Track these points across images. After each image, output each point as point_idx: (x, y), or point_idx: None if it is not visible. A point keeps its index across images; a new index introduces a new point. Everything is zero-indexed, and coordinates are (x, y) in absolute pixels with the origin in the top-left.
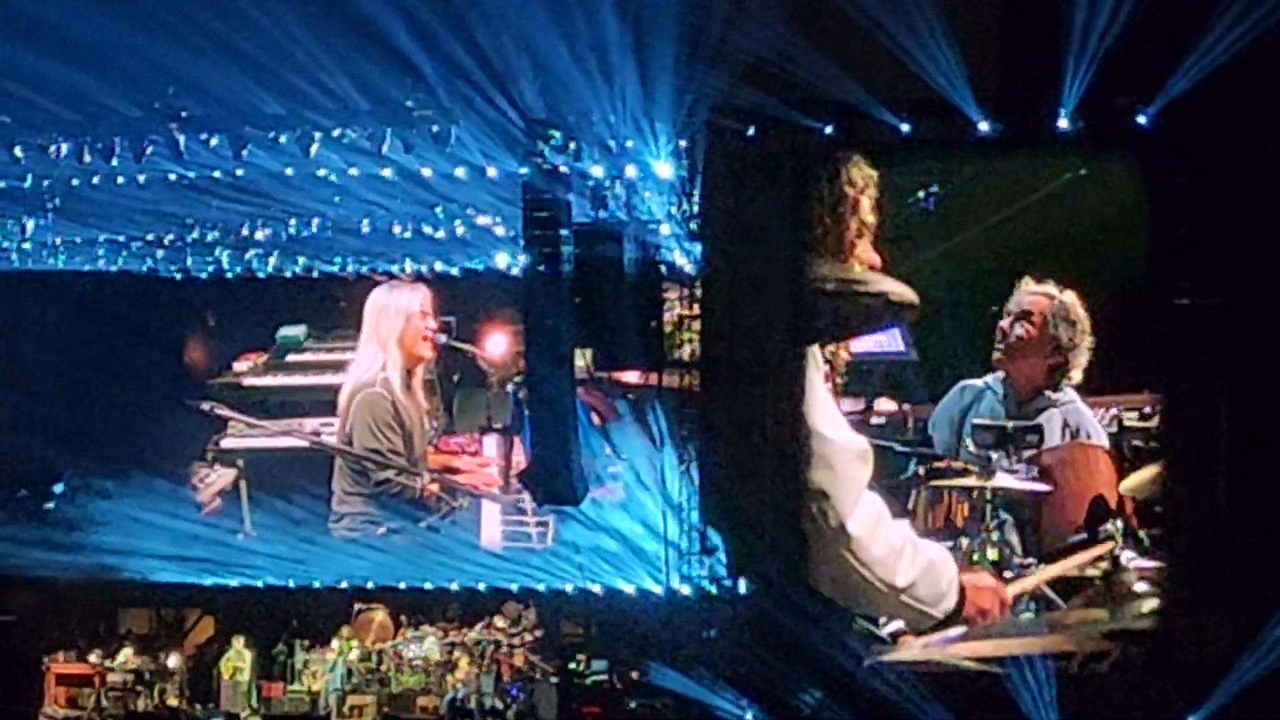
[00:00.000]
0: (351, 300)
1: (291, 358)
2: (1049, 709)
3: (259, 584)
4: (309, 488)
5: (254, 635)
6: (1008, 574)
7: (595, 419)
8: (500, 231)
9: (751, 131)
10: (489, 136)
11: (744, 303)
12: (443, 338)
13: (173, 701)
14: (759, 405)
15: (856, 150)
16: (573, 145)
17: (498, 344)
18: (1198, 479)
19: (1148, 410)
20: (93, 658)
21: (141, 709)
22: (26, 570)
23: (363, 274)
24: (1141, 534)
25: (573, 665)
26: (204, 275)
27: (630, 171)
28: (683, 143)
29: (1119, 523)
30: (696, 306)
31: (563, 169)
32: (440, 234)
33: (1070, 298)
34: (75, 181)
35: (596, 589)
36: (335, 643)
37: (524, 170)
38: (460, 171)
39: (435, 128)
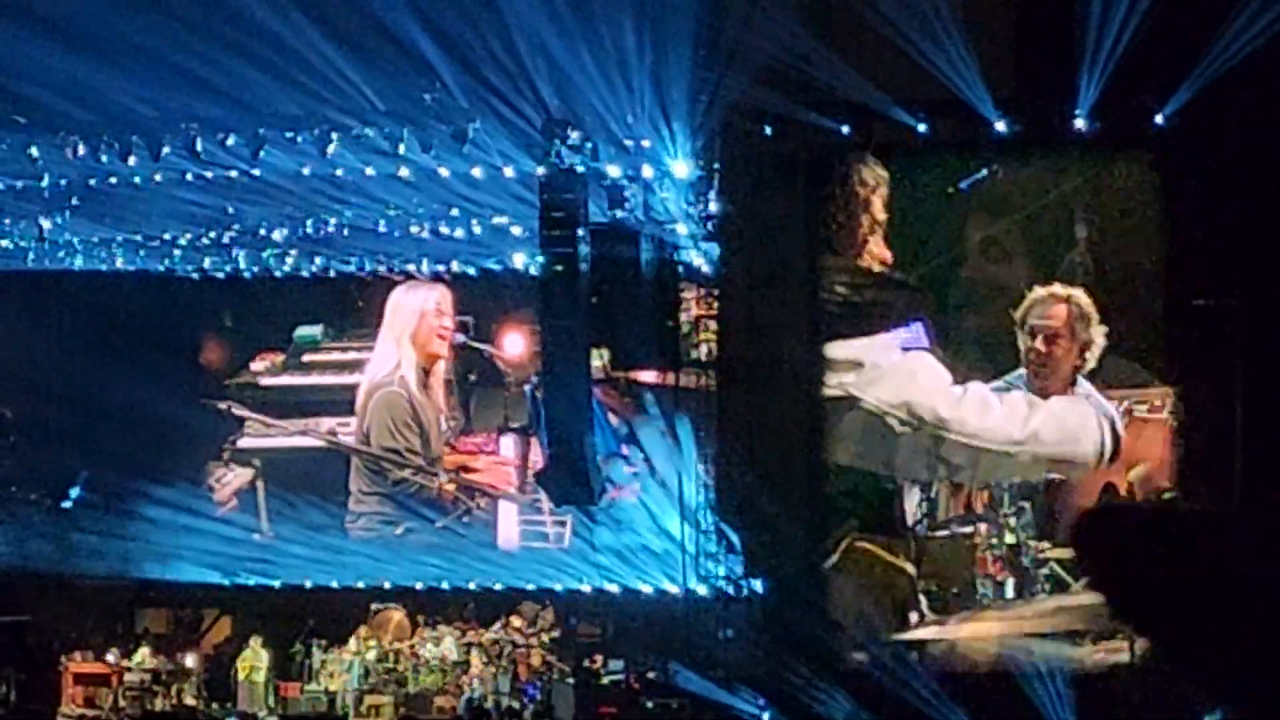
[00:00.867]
0: (369, 300)
1: (308, 357)
2: (1067, 710)
3: (276, 584)
4: (326, 487)
5: (271, 635)
6: (1025, 560)
7: (612, 419)
8: (517, 231)
9: (768, 131)
10: (506, 136)
11: (761, 302)
12: (460, 337)
13: (190, 701)
14: (775, 405)
15: (870, 150)
16: (590, 145)
17: (515, 344)
18: (1212, 475)
19: (1157, 403)
20: (110, 657)
21: (159, 708)
22: (44, 571)
23: (380, 273)
24: None
25: (589, 665)
26: (221, 275)
27: (647, 171)
28: (700, 143)
29: None
30: (713, 306)
31: (579, 169)
32: (458, 233)
33: (1079, 294)
34: (92, 181)
35: (614, 589)
36: (352, 642)
37: (541, 170)
38: (477, 171)
39: (452, 128)
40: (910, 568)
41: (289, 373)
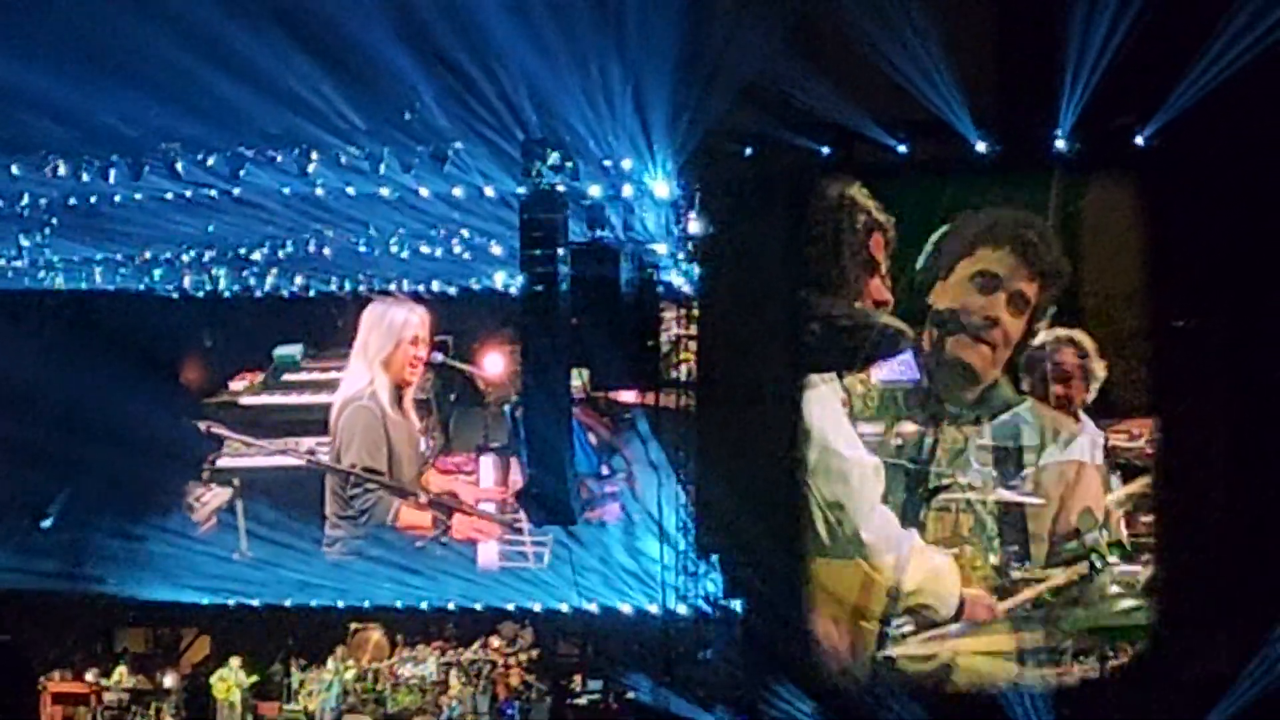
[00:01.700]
0: (348, 319)
1: (288, 377)
2: None
3: (255, 603)
4: (305, 507)
5: (250, 655)
6: (1013, 574)
7: (592, 438)
8: (497, 251)
9: (749, 152)
10: (487, 156)
11: (741, 323)
12: (439, 356)
13: None
14: (755, 426)
15: (858, 175)
16: (570, 165)
17: (495, 363)
18: (1194, 497)
19: (1135, 432)
20: (89, 676)
21: None
22: (23, 590)
23: (360, 293)
24: (1124, 541)
25: (567, 684)
26: (200, 294)
27: (627, 191)
28: (680, 163)
29: (1103, 533)
30: (693, 326)
31: (560, 189)
32: (438, 253)
33: (1079, 335)
34: (73, 200)
35: (593, 609)
36: (331, 662)
37: (521, 190)
38: (458, 191)
39: (433, 148)
40: (891, 585)
41: (268, 392)
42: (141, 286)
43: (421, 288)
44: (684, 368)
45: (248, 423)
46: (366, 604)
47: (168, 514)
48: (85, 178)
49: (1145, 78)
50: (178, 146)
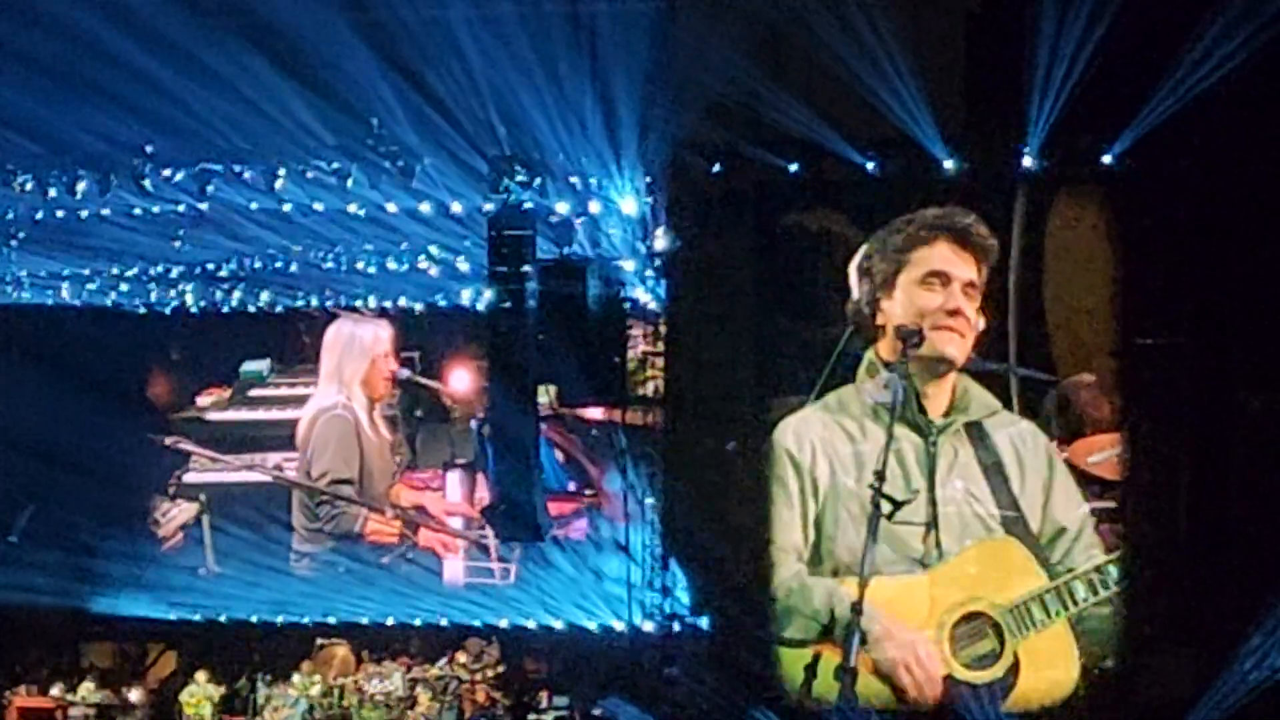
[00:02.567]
0: (315, 335)
1: (254, 392)
2: None
3: (222, 618)
4: (272, 522)
5: (217, 670)
6: None
7: (559, 455)
8: (464, 267)
9: (717, 168)
10: (454, 172)
11: (708, 339)
12: (405, 373)
13: None
14: (723, 442)
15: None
16: (538, 181)
17: (461, 380)
18: (1159, 514)
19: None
20: (55, 691)
21: None
22: None
23: (327, 308)
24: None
25: (533, 700)
26: (167, 310)
27: (595, 208)
28: (648, 179)
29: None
30: (660, 343)
31: (528, 205)
32: (404, 269)
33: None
34: (39, 215)
35: (559, 625)
36: (297, 678)
37: (489, 206)
38: (425, 207)
39: (400, 163)
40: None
41: (235, 408)
42: (109, 302)
43: (389, 304)
44: (651, 384)
45: (214, 438)
46: (333, 619)
47: (133, 529)
48: (52, 193)
49: (1113, 98)
50: (145, 161)
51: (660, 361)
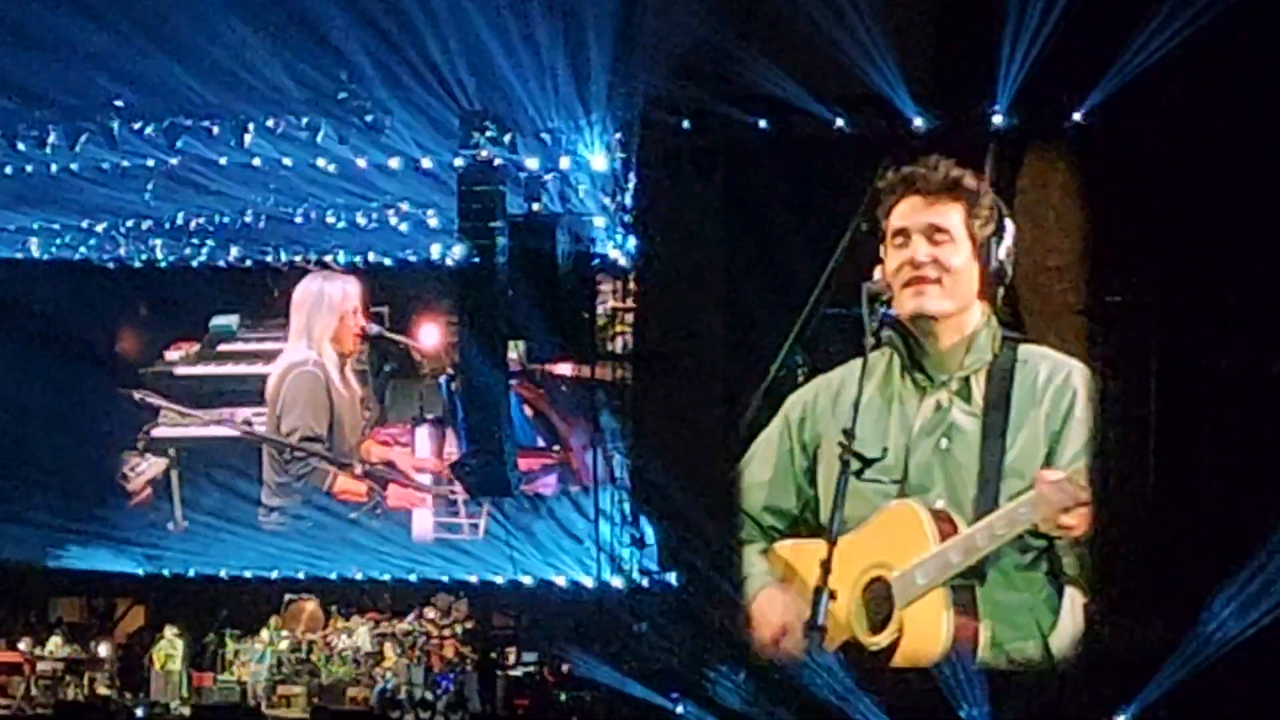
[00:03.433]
0: (285, 290)
1: (223, 347)
2: (981, 701)
3: (190, 573)
4: (241, 477)
5: (185, 624)
6: None
7: (528, 410)
8: (434, 223)
9: (686, 124)
10: (424, 127)
11: (678, 295)
12: (374, 328)
13: (103, 690)
14: (691, 398)
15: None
16: (508, 137)
17: (431, 335)
18: (1126, 477)
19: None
20: (22, 646)
21: (71, 698)
22: None
23: (296, 264)
24: None
25: (502, 656)
26: (137, 264)
27: (565, 164)
28: (617, 135)
29: None
30: (630, 299)
31: (497, 161)
32: (374, 224)
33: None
34: (8, 169)
35: (528, 580)
36: (265, 633)
37: (459, 162)
38: (395, 162)
39: (370, 118)
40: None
41: (204, 362)
42: (77, 256)
43: (358, 258)
44: (620, 340)
45: (183, 393)
46: (301, 575)
47: (102, 484)
48: (21, 146)
49: (1083, 56)
50: (114, 115)
51: (629, 317)
